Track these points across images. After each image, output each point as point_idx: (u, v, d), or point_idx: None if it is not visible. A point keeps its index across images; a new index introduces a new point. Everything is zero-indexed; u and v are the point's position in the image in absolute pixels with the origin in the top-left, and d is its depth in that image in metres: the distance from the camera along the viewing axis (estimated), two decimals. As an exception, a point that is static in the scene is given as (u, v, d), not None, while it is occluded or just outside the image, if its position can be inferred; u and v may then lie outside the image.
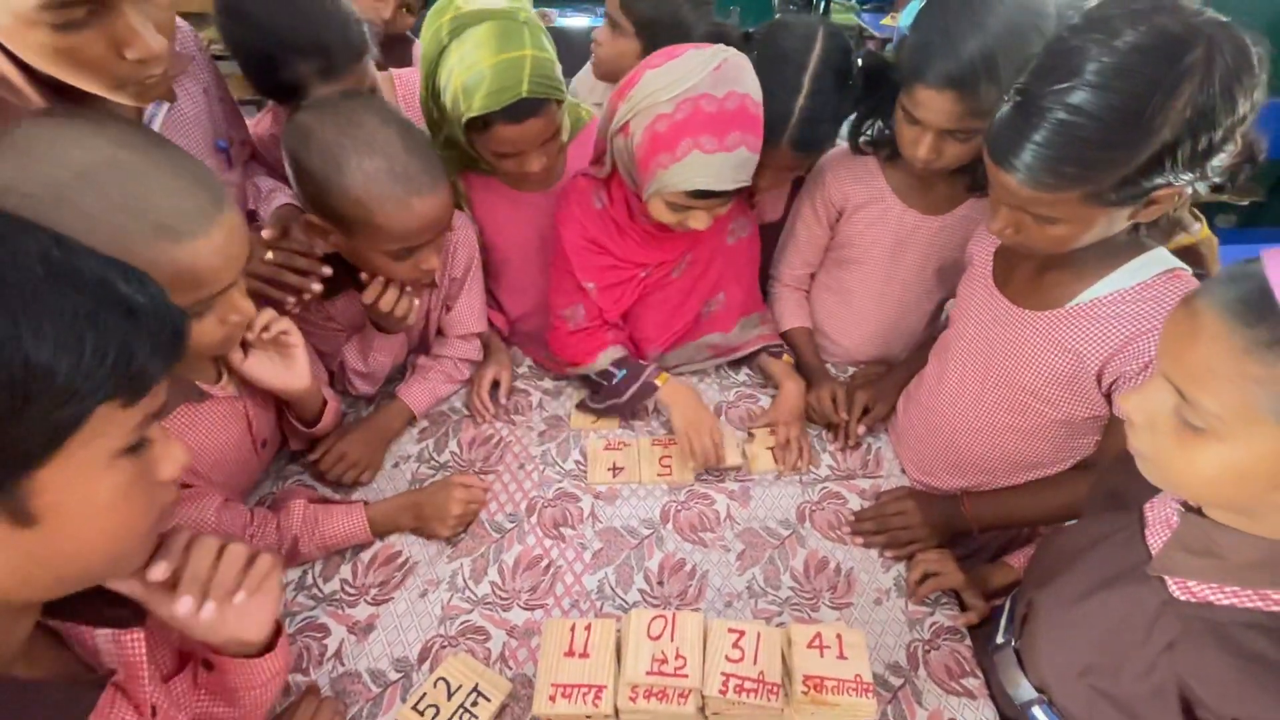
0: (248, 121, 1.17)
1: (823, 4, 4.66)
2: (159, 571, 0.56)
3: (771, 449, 1.13)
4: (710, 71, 0.91)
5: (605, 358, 1.17)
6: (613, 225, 1.12)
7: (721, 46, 0.95)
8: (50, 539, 0.43)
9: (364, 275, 0.99)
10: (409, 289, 1.01)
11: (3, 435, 0.39)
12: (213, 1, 0.95)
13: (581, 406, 1.21)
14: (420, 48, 1.06)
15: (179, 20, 0.95)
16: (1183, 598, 0.60)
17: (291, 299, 0.94)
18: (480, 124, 0.98)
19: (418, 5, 1.55)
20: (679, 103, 0.91)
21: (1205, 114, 0.64)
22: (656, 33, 1.30)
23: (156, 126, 0.87)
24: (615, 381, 1.15)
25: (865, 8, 4.49)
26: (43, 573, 0.46)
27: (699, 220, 1.01)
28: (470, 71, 0.94)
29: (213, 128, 0.99)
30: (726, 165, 0.93)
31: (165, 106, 0.88)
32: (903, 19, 1.10)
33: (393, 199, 0.86)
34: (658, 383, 1.14)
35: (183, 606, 0.57)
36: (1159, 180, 0.68)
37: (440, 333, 1.23)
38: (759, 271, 1.30)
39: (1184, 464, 0.55)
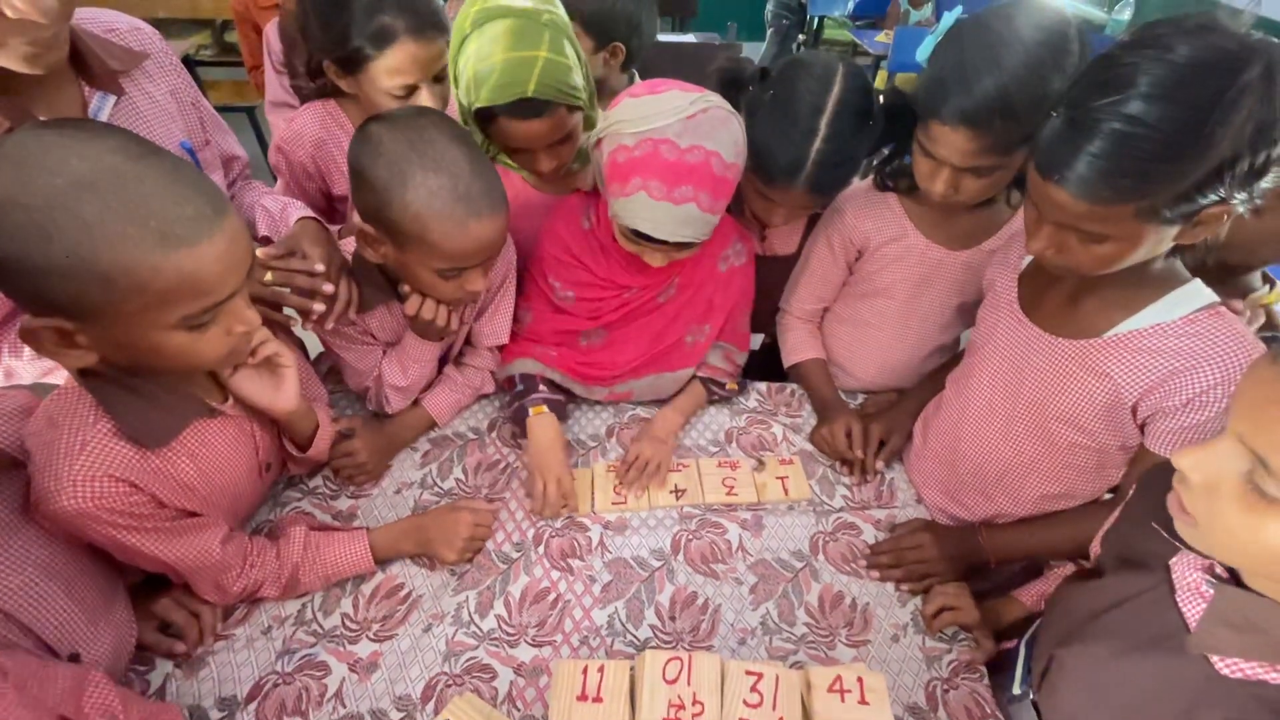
0: (279, 121, 1.15)
1: (816, 20, 4.70)
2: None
3: (781, 477, 1.11)
4: (682, 119, 0.89)
5: (516, 366, 1.16)
6: (597, 245, 1.10)
7: (708, 95, 0.92)
8: None
9: (404, 288, 0.98)
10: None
11: None
12: None
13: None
14: None
15: (141, 23, 0.96)
16: (1233, 675, 0.57)
17: (299, 319, 0.92)
18: (487, 115, 0.99)
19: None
20: (641, 139, 0.89)
21: (1265, 130, 0.62)
22: (605, 28, 1.31)
23: (103, 118, 0.85)
24: (513, 392, 1.15)
25: (858, 24, 4.52)
26: None
27: (653, 258, 0.99)
28: (483, 64, 0.95)
29: (183, 132, 0.97)
30: (670, 217, 0.91)
31: (111, 100, 0.86)
32: (919, 53, 1.09)
33: (451, 218, 0.84)
34: (531, 410, 1.10)
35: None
36: (1213, 196, 0.66)
37: (469, 342, 1.20)
38: (764, 304, 1.27)
39: (1247, 533, 0.52)
